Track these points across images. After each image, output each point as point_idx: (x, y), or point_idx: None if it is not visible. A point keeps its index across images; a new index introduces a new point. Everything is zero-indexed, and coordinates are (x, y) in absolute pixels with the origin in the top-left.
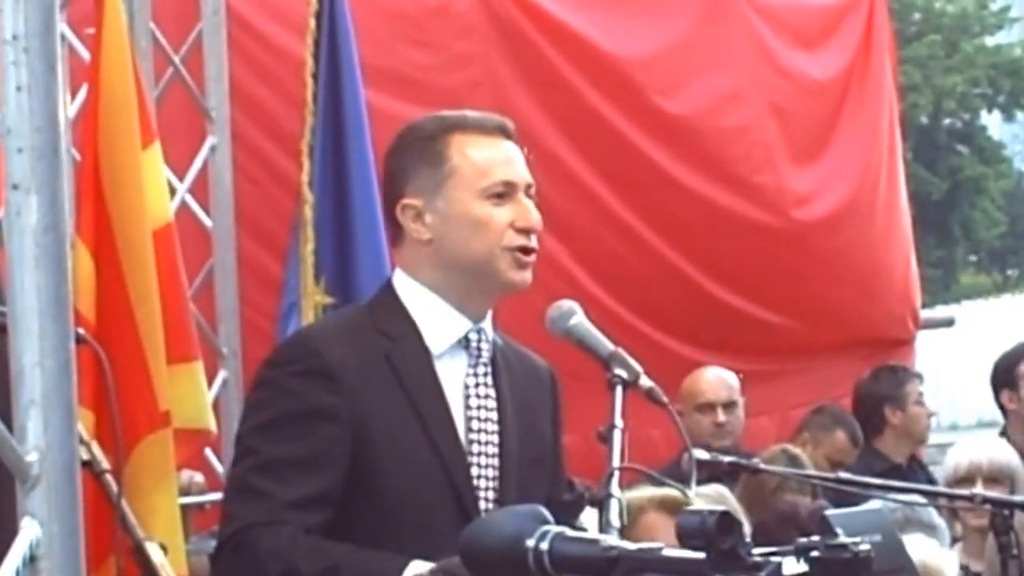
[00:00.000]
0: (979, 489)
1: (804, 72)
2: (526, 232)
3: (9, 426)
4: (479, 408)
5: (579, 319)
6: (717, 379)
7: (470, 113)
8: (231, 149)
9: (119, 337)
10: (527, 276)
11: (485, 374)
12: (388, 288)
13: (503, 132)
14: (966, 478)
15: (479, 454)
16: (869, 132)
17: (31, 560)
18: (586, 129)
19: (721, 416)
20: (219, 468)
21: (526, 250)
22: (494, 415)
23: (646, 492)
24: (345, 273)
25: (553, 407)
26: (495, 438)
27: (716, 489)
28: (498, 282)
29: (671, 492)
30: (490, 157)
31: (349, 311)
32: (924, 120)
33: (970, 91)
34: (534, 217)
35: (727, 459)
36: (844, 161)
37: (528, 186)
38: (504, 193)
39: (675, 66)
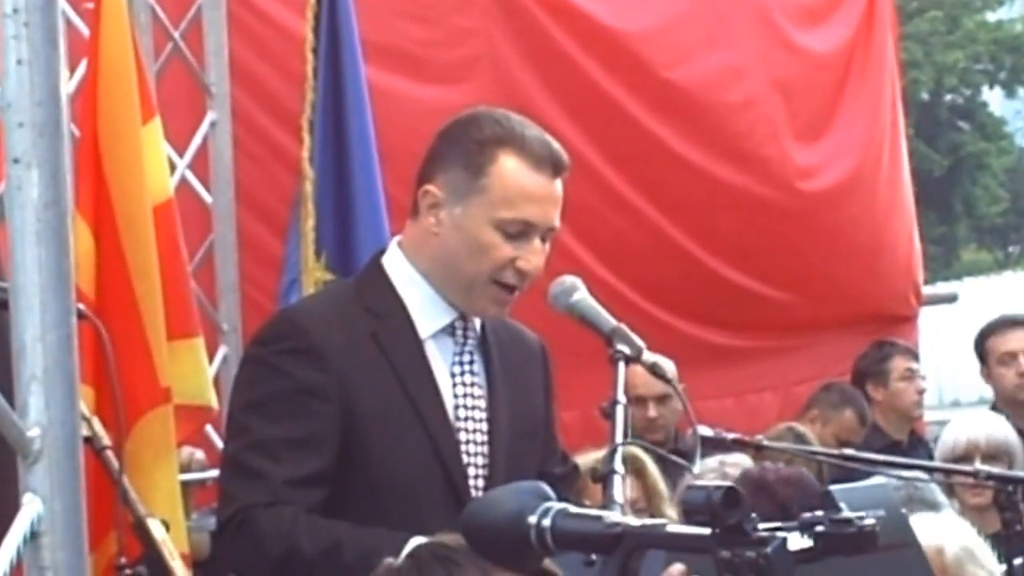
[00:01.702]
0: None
1: (807, 47)
2: (522, 275)
3: (11, 402)
4: (465, 395)
5: (582, 295)
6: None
7: (531, 133)
8: (231, 125)
9: (119, 313)
10: (504, 312)
11: (471, 361)
12: (376, 266)
13: (554, 168)
14: (964, 456)
15: (468, 441)
16: (872, 108)
17: (33, 536)
18: (588, 104)
19: (652, 411)
20: (220, 445)
21: (512, 289)
22: (481, 402)
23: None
24: (346, 249)
25: (545, 380)
26: (483, 425)
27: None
28: (474, 308)
29: (630, 449)
30: (525, 191)
31: (335, 288)
32: (925, 96)
33: (971, 67)
34: (537, 263)
35: (731, 436)
36: (847, 137)
37: (549, 230)
38: (520, 232)
39: (678, 40)
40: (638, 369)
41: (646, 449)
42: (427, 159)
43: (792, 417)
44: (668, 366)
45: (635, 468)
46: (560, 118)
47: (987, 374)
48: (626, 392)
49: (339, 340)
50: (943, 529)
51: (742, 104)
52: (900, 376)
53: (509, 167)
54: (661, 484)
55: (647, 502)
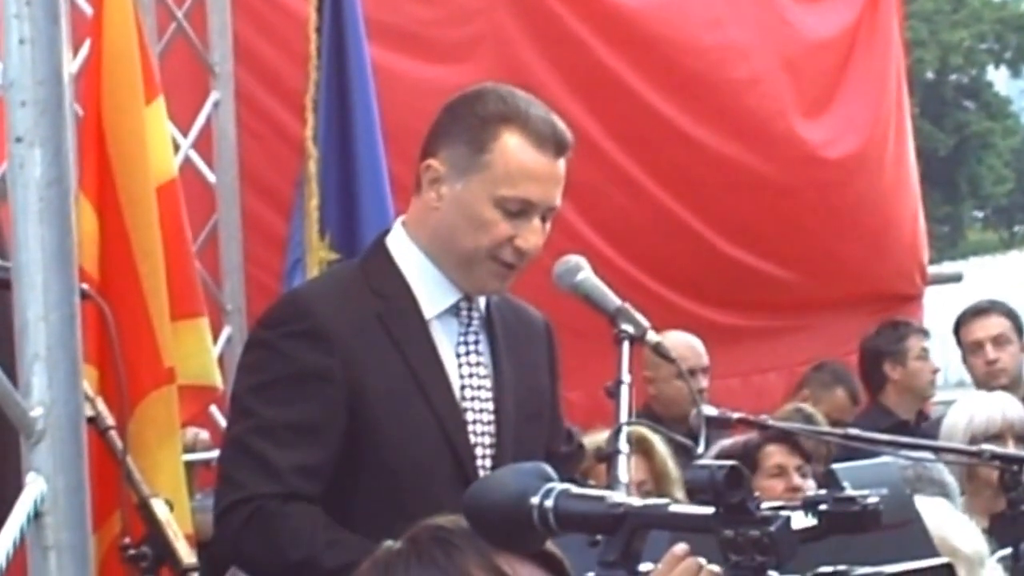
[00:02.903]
0: (1011, 447)
1: (812, 26)
2: (520, 253)
3: (14, 381)
4: (471, 376)
5: (586, 274)
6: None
7: (536, 111)
8: (235, 104)
9: (123, 293)
10: (504, 286)
11: (476, 342)
12: (381, 247)
13: (557, 148)
14: (998, 435)
15: (474, 421)
16: (877, 87)
17: (36, 516)
18: (593, 82)
19: (703, 382)
20: (224, 425)
21: (512, 266)
22: (487, 382)
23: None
24: (350, 228)
25: (550, 359)
26: (489, 404)
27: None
28: (474, 284)
29: (638, 430)
30: (526, 169)
31: (341, 269)
32: (930, 76)
33: (977, 46)
34: (535, 242)
35: (736, 416)
36: (853, 115)
37: (549, 209)
38: (520, 211)
39: (684, 18)
40: (687, 340)
41: (653, 429)
42: (431, 133)
43: (788, 397)
44: (696, 345)
45: (643, 449)
46: (565, 97)
47: (965, 360)
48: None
49: (344, 322)
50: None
51: (748, 82)
52: (917, 356)
53: (512, 144)
54: (670, 465)
55: (655, 484)
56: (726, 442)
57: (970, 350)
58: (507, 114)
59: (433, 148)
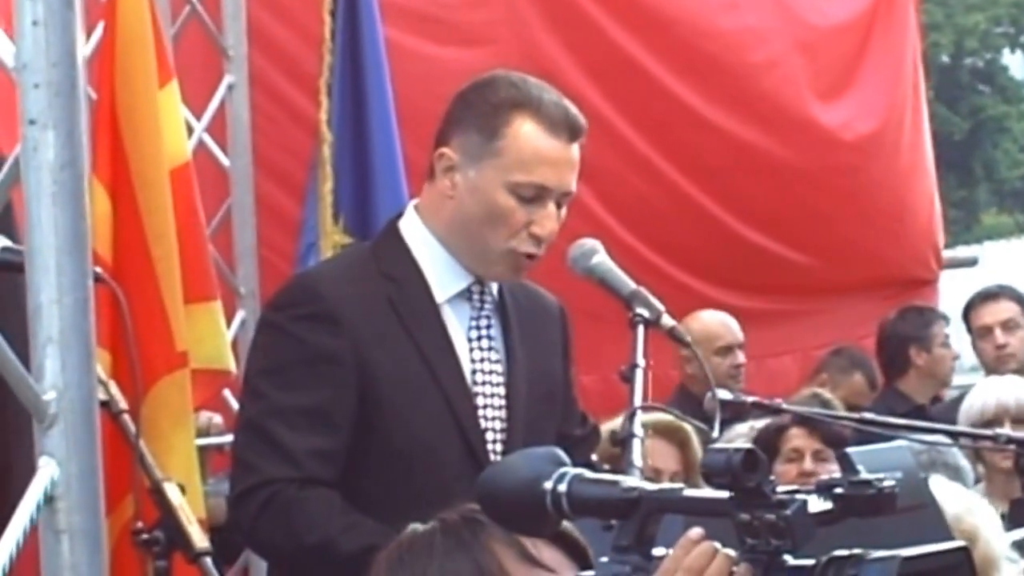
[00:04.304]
0: (1007, 430)
1: (828, 10)
2: (537, 240)
3: (26, 364)
4: (483, 360)
5: (601, 257)
6: (727, 321)
7: (548, 96)
8: (249, 88)
9: (136, 276)
10: (519, 278)
11: (488, 326)
12: (393, 230)
13: (570, 132)
14: (993, 420)
15: (485, 406)
16: (894, 70)
17: (48, 500)
18: (610, 66)
19: (740, 357)
20: (237, 408)
21: (530, 256)
22: (499, 366)
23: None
24: (364, 212)
25: (563, 342)
26: (501, 389)
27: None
28: (487, 273)
29: (664, 416)
30: (540, 155)
31: (351, 252)
32: (945, 59)
33: (992, 30)
34: (551, 228)
35: (750, 399)
36: (869, 99)
37: (564, 195)
38: (535, 196)
39: (701, 2)
40: (720, 318)
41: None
42: (444, 122)
43: (806, 381)
44: (729, 322)
45: (679, 439)
46: (582, 80)
47: (974, 345)
48: (712, 342)
49: (355, 305)
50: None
51: (765, 65)
52: (941, 342)
53: (525, 130)
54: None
55: (686, 475)
56: (756, 424)
57: (979, 335)
58: (519, 100)
59: (446, 136)
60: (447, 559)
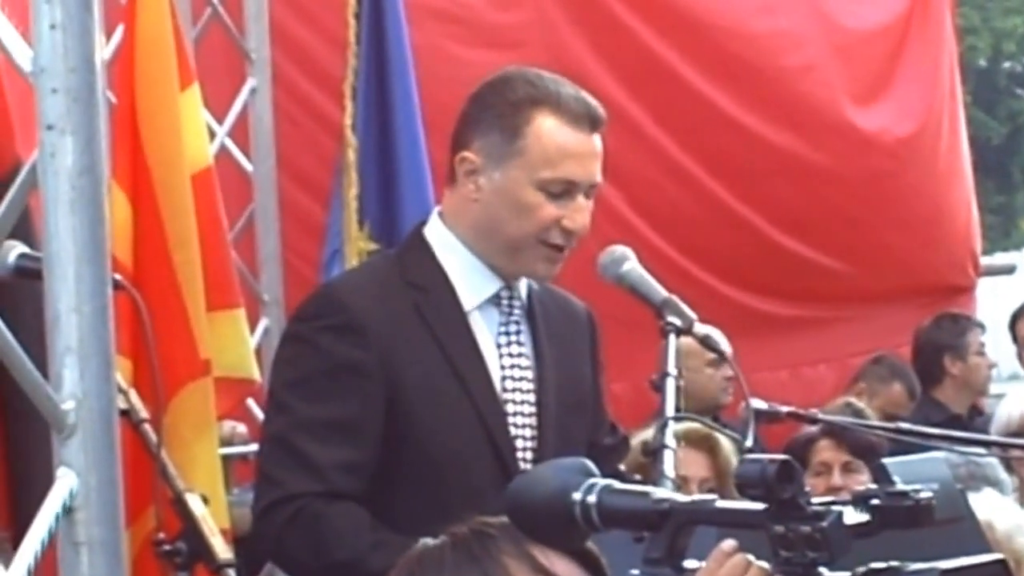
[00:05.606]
0: None
1: (864, 13)
2: (569, 233)
3: (45, 374)
4: (512, 367)
5: (632, 265)
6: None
7: (566, 90)
8: (272, 91)
9: (157, 283)
10: (554, 271)
11: (517, 332)
12: (419, 237)
13: (592, 123)
14: (1019, 431)
15: (515, 413)
16: (930, 75)
17: (67, 511)
18: (641, 69)
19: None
20: (262, 418)
21: (561, 248)
22: (529, 373)
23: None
24: (390, 218)
25: (592, 349)
26: (531, 396)
27: None
28: (523, 270)
29: (694, 426)
30: (564, 149)
31: (377, 261)
32: (983, 63)
33: None
34: (582, 221)
35: (786, 409)
36: (905, 104)
37: (591, 186)
38: (563, 191)
39: (734, 5)
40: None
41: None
42: (460, 125)
43: (843, 390)
44: (721, 337)
45: (708, 446)
46: (611, 83)
47: (1020, 356)
48: (704, 354)
49: (381, 315)
50: (990, 505)
51: (800, 69)
52: (977, 351)
53: (547, 126)
54: (734, 463)
55: (718, 481)
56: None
57: None
58: (537, 96)
59: (465, 139)
60: (458, 573)
